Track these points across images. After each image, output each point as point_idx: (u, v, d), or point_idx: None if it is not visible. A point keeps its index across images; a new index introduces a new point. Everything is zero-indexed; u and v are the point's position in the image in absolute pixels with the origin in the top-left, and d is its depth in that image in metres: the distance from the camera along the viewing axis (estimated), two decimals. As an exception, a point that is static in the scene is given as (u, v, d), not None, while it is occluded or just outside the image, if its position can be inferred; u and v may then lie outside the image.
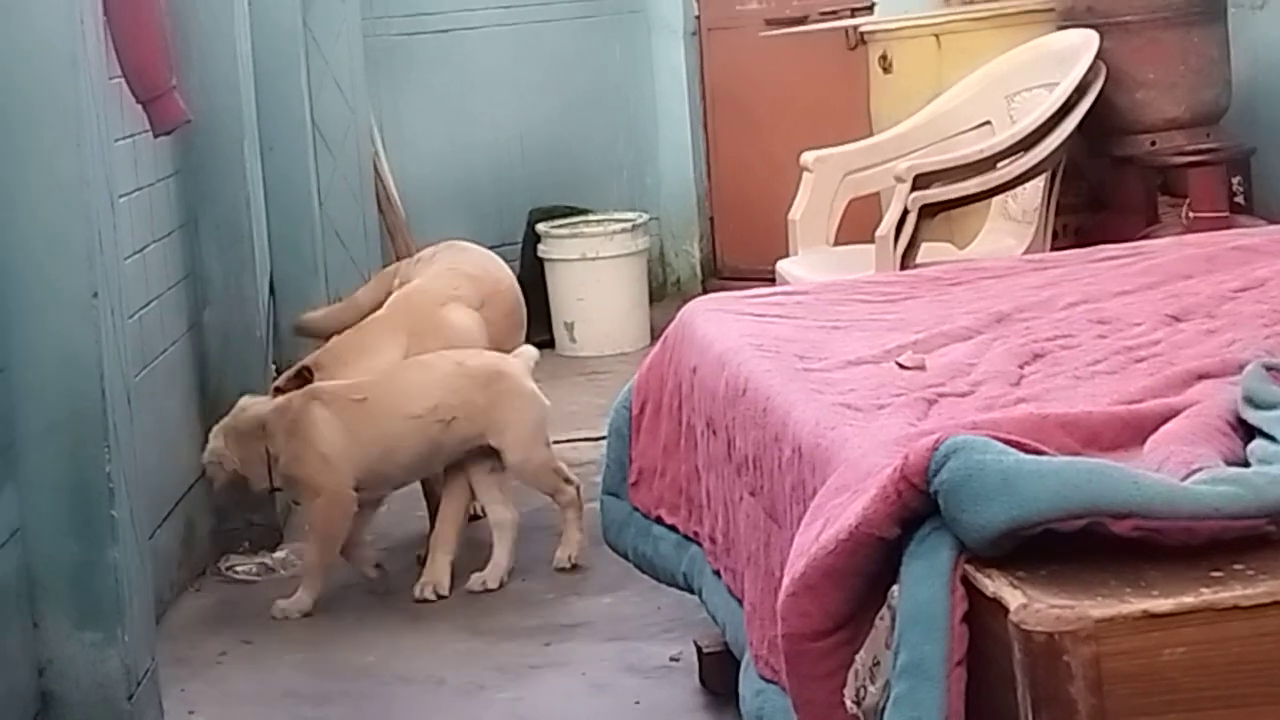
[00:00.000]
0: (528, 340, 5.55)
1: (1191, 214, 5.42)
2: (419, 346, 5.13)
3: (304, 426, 4.80)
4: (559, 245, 7.76)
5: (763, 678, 3.05)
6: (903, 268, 5.02)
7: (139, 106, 4.71)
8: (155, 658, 4.00)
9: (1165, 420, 2.58)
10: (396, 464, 4.91)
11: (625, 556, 4.11)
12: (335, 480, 4.79)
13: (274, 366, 5.65)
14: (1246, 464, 2.39)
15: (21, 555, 3.70)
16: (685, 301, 4.32)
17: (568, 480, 5.02)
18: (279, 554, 5.22)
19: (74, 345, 3.72)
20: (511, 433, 4.91)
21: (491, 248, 7.93)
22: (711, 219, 8.55)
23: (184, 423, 5.17)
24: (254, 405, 4.93)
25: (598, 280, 7.65)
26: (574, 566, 4.96)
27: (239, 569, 5.16)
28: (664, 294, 8.31)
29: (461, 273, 5.52)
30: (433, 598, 4.83)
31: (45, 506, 3.72)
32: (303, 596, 4.80)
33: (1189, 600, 2.07)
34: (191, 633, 4.69)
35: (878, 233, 5.20)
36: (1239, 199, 5.64)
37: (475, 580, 4.88)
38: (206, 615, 4.84)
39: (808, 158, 5.79)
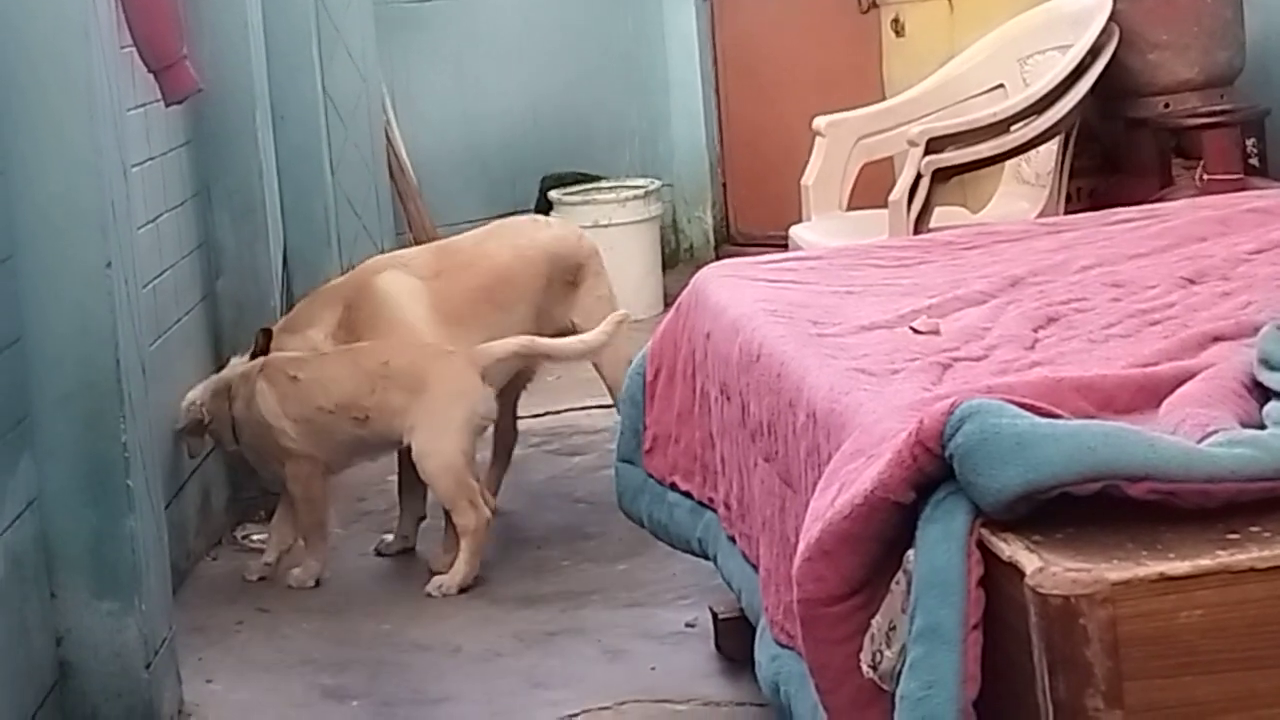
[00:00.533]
0: None
1: (1205, 176, 5.40)
2: (350, 316, 5.02)
3: (253, 396, 4.80)
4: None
5: (779, 643, 3.05)
6: (916, 232, 5.01)
7: (150, 76, 4.71)
8: (173, 626, 4.02)
9: (1180, 383, 2.58)
10: (327, 449, 4.80)
11: (640, 523, 4.12)
12: (295, 445, 4.77)
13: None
14: (1262, 426, 2.39)
15: (38, 525, 3.71)
16: (698, 268, 4.32)
17: (474, 505, 4.66)
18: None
19: (88, 315, 3.72)
20: (421, 437, 4.66)
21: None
22: (724, 185, 8.54)
23: (199, 392, 5.17)
24: (235, 366, 4.93)
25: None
26: (444, 597, 4.62)
27: (255, 538, 5.17)
28: (677, 260, 8.30)
29: (435, 244, 5.45)
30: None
31: (61, 476, 3.73)
32: (310, 562, 4.81)
33: (1205, 563, 2.07)
34: (208, 602, 4.70)
35: (891, 197, 5.19)
36: (1253, 161, 5.62)
37: (434, 584, 4.66)
38: (223, 584, 4.85)
39: (820, 122, 5.77)
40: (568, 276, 5.21)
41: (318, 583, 4.79)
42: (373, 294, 5.06)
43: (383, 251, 6.12)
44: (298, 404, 4.77)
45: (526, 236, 5.31)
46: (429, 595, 4.63)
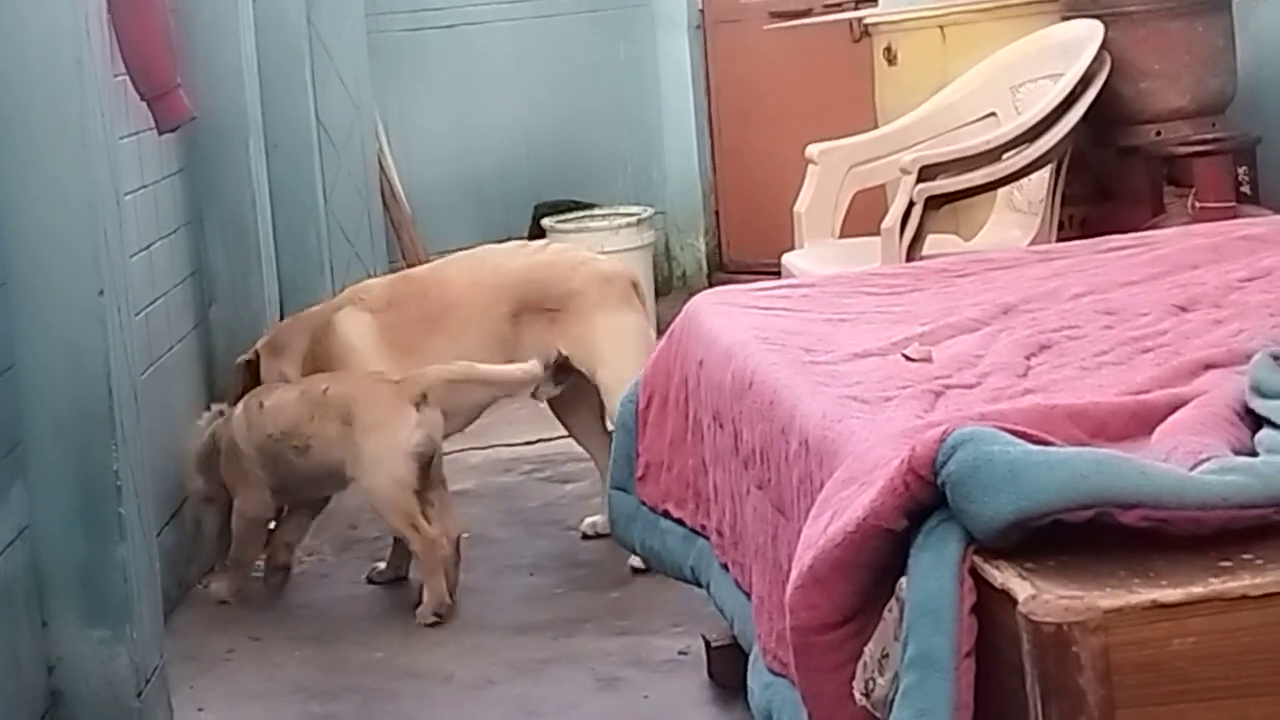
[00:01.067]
0: None
1: (1197, 204, 5.41)
2: (314, 349, 5.03)
3: (230, 419, 4.86)
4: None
5: (771, 671, 3.04)
6: (908, 260, 5.01)
7: (143, 104, 4.71)
8: (164, 655, 4.01)
9: (1173, 410, 2.58)
10: (281, 480, 4.82)
11: (633, 550, 4.11)
12: (253, 473, 4.80)
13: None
14: (1254, 453, 2.39)
15: (30, 553, 3.70)
16: (691, 295, 4.32)
17: (417, 529, 4.63)
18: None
19: (80, 343, 3.72)
20: (355, 469, 4.67)
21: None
22: (717, 212, 8.55)
23: (191, 419, 5.16)
24: (201, 426, 4.95)
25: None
26: (438, 619, 4.63)
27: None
28: (670, 288, 8.31)
29: (399, 273, 5.43)
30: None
31: (53, 504, 3.73)
32: (225, 584, 4.88)
33: (1198, 590, 2.06)
34: (200, 630, 4.69)
35: (883, 225, 5.20)
36: (1245, 189, 5.63)
37: (418, 612, 4.67)
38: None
39: (813, 150, 5.78)
40: (548, 304, 5.03)
41: (223, 601, 4.86)
42: (330, 329, 5.05)
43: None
44: (259, 430, 4.79)
45: (492, 263, 5.19)
46: (418, 623, 4.63)
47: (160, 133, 4.81)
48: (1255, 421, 2.53)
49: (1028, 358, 3.15)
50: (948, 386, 2.98)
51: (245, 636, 4.64)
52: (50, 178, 3.67)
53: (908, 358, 3.22)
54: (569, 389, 5.07)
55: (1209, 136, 5.66)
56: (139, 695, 3.79)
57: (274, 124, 6.01)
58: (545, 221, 7.84)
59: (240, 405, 4.86)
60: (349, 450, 4.66)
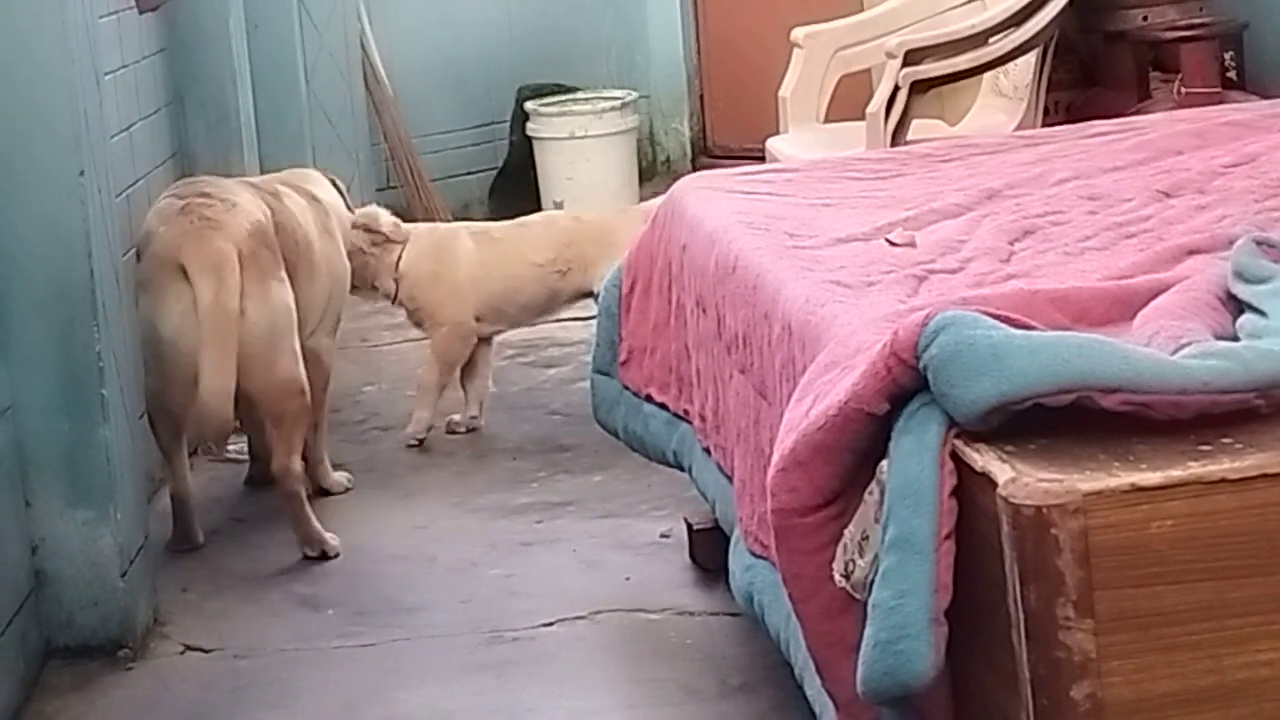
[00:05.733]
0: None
1: (1183, 89, 5.40)
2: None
3: (453, 252, 5.17)
4: (548, 124, 7.71)
5: (752, 553, 3.07)
6: (893, 145, 5.00)
7: (123, -17, 4.67)
8: (148, 536, 4.02)
9: (1155, 295, 2.59)
10: (513, 307, 5.22)
11: (615, 434, 4.12)
12: (466, 308, 5.13)
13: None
14: (1236, 338, 2.40)
15: (12, 434, 3.70)
16: (675, 180, 4.30)
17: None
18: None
19: (61, 224, 3.70)
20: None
21: (480, 126, 7.93)
22: (701, 96, 8.49)
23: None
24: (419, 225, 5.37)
25: (587, 159, 7.61)
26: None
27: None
28: (654, 172, 8.27)
29: None
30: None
31: (35, 385, 3.73)
32: (421, 415, 5.08)
33: (1177, 474, 2.08)
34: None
35: (868, 109, 5.18)
36: (1231, 74, 5.61)
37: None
38: (198, 494, 4.83)
39: (798, 34, 5.75)
40: None
41: (425, 438, 5.06)
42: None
43: (357, 161, 6.08)
44: (501, 263, 5.13)
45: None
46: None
47: (140, 11, 4.77)
48: (1237, 307, 2.54)
49: (1011, 243, 3.15)
50: (931, 271, 2.98)
51: (228, 518, 4.66)
52: (30, 57, 3.64)
53: (891, 243, 3.22)
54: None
55: (1195, 21, 5.63)
56: (123, 576, 3.81)
57: (255, 4, 5.96)
58: (529, 105, 7.79)
59: (462, 241, 5.15)
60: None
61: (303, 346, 4.42)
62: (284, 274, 4.36)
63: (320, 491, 4.63)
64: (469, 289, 5.14)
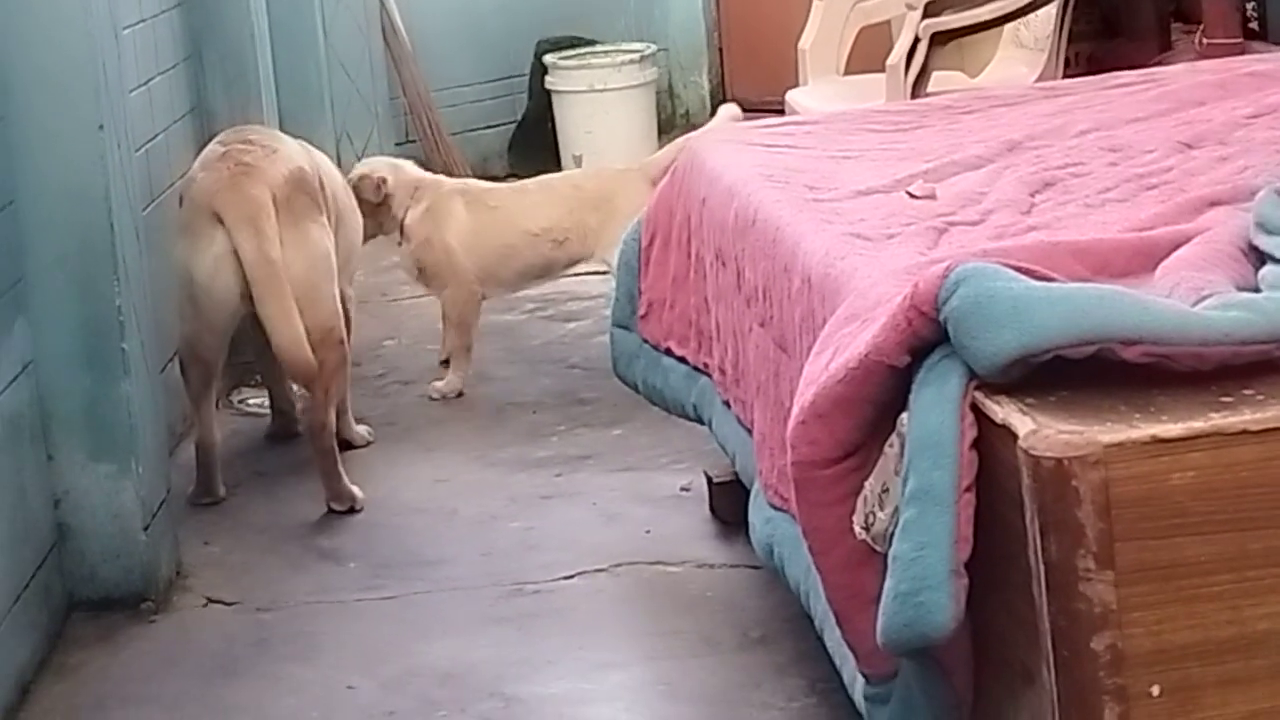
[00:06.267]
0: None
1: (1205, 40, 5.36)
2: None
3: (447, 216, 5.16)
4: (566, 77, 7.69)
5: (772, 506, 3.07)
6: (913, 96, 4.98)
7: (141, -63, 4.66)
8: (170, 489, 4.04)
9: (1176, 247, 2.58)
10: (508, 273, 5.23)
11: (635, 388, 4.12)
12: (466, 271, 5.14)
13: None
14: (1258, 290, 2.39)
15: (34, 388, 3.72)
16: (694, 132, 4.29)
17: None
18: (290, 386, 5.24)
19: (81, 178, 3.71)
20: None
21: (498, 80, 7.90)
22: (720, 49, 8.47)
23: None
24: (426, 176, 5.30)
25: (606, 112, 7.60)
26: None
27: (251, 402, 5.18)
28: (673, 126, 8.25)
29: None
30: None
31: (56, 340, 3.74)
32: (453, 378, 5.11)
33: (1198, 425, 2.08)
34: (205, 465, 4.72)
35: (888, 61, 5.16)
36: (1253, 25, 5.58)
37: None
38: (220, 448, 4.86)
39: (817, -15, 5.72)
40: None
41: (461, 394, 5.08)
42: None
43: (376, 115, 6.07)
44: (495, 232, 5.11)
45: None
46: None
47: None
48: (1259, 258, 2.53)
49: (1032, 195, 3.15)
50: (951, 224, 2.98)
51: (250, 472, 4.68)
52: (49, 11, 3.64)
53: (911, 195, 3.21)
54: None
55: (1218, -29, 5.59)
56: (145, 529, 3.83)
57: (273, -43, 5.94)
58: (547, 58, 7.78)
59: (454, 205, 5.14)
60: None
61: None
62: (324, 220, 4.39)
63: (344, 444, 4.64)
64: (461, 255, 5.13)
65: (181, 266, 4.31)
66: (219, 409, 5.07)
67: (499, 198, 5.27)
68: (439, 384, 5.12)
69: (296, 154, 4.43)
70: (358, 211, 4.87)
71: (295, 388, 4.68)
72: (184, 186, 4.42)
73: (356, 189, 5.00)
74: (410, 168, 5.30)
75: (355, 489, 4.36)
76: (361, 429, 4.80)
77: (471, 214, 5.16)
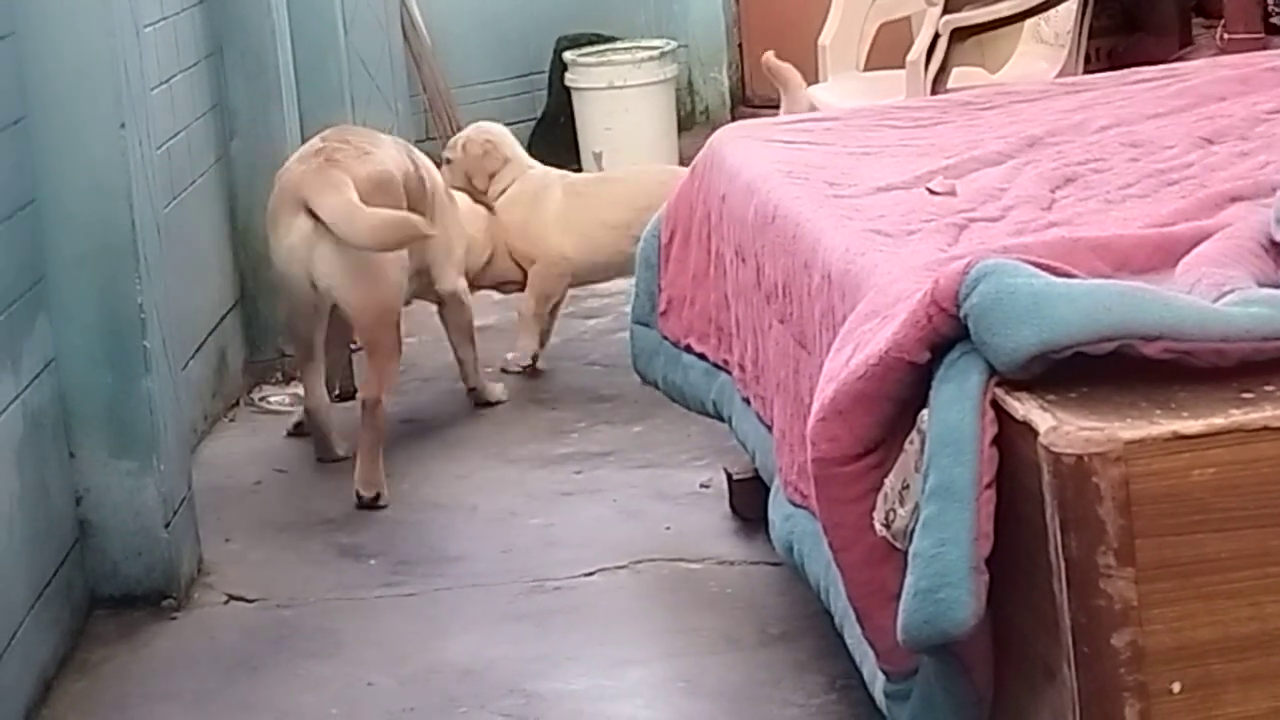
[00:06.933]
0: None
1: (1226, 35, 5.36)
2: None
3: (543, 199, 5.26)
4: (586, 74, 7.69)
5: (792, 503, 3.07)
6: (933, 92, 4.97)
7: (161, -65, 4.67)
8: (191, 486, 4.05)
9: (1197, 243, 2.57)
10: (591, 263, 5.30)
11: (655, 385, 4.12)
12: (559, 249, 5.24)
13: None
14: (1279, 286, 2.38)
15: (56, 386, 3.73)
16: (714, 130, 4.30)
17: None
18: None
19: (103, 176, 3.72)
20: None
21: (518, 77, 7.90)
22: (740, 45, 8.46)
23: (214, 254, 5.18)
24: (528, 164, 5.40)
25: (625, 109, 7.59)
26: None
27: (272, 399, 5.20)
28: (692, 122, 8.24)
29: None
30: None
31: (78, 337, 3.75)
32: (525, 342, 5.20)
33: (1219, 421, 2.07)
34: (226, 462, 4.73)
35: (908, 57, 5.15)
36: (1274, 20, 5.57)
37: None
38: (241, 445, 4.88)
39: (838, -19, 5.72)
40: None
41: (535, 361, 5.20)
42: None
43: (396, 112, 6.07)
44: (581, 220, 5.21)
45: None
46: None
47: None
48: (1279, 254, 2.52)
49: (1052, 191, 3.14)
50: (971, 220, 2.98)
51: (271, 469, 4.69)
52: (70, 9, 3.65)
53: (932, 191, 3.21)
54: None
55: (1239, -33, 5.58)
56: (167, 526, 3.84)
57: (293, -45, 5.94)
58: (567, 55, 7.77)
59: (554, 189, 5.24)
60: None
61: (442, 292, 4.87)
62: None
63: (482, 402, 4.98)
64: (557, 238, 5.21)
65: (274, 253, 4.56)
66: (240, 406, 5.09)
67: (588, 185, 5.41)
68: (511, 355, 5.20)
69: (389, 160, 4.63)
70: (458, 206, 5.05)
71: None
72: (277, 176, 4.64)
73: (464, 148, 5.24)
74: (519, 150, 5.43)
75: (384, 482, 4.38)
76: (498, 386, 5.05)
77: (567, 199, 5.25)
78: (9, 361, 3.48)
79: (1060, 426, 2.08)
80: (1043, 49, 5.61)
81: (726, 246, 3.64)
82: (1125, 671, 2.06)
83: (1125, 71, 4.39)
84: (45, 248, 3.70)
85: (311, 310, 4.57)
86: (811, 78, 5.71)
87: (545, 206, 5.26)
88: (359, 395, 4.58)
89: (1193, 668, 2.08)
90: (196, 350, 4.84)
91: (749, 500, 3.92)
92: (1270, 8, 5.54)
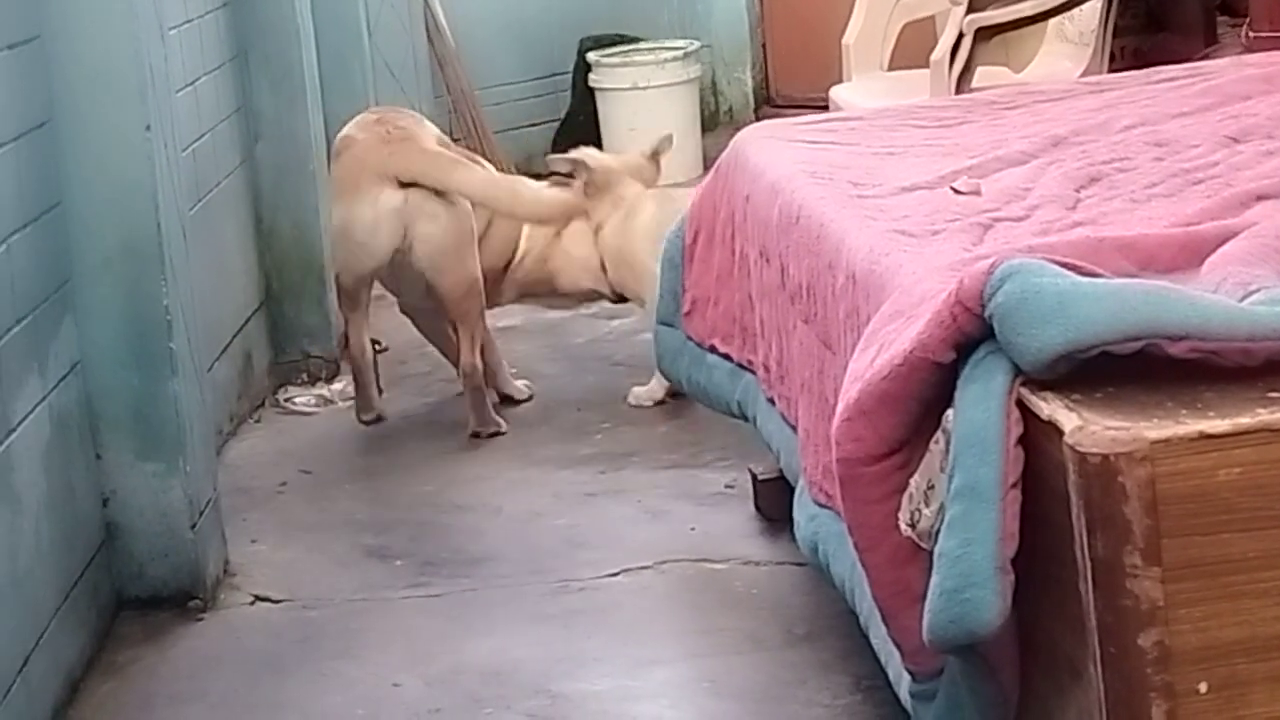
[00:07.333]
0: None
1: (1251, 34, 5.34)
2: None
3: (637, 211, 5.07)
4: (610, 74, 7.70)
5: (817, 503, 3.07)
6: (958, 92, 4.97)
7: (186, -62, 4.68)
8: (217, 488, 4.06)
9: (1223, 242, 2.57)
10: None
11: (680, 385, 4.13)
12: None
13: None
14: (1305, 285, 2.38)
15: (82, 388, 3.74)
16: (738, 130, 4.30)
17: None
18: (336, 386, 5.26)
19: (128, 179, 3.73)
20: None
21: (542, 78, 7.92)
22: (764, 45, 8.47)
23: (239, 256, 5.19)
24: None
25: (649, 109, 7.60)
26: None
27: (297, 400, 5.21)
28: (716, 123, 8.25)
29: None
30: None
31: (104, 339, 3.76)
32: (655, 385, 4.87)
33: (1245, 421, 2.07)
34: (252, 464, 4.75)
35: (932, 57, 5.15)
36: (1300, 18, 5.54)
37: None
38: (266, 446, 4.89)
39: (861, -19, 5.72)
40: None
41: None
42: None
43: (420, 114, 6.06)
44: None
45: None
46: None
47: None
48: (1306, 253, 2.51)
49: (1077, 190, 3.13)
50: (996, 219, 2.97)
51: (297, 470, 4.70)
52: (95, 12, 3.66)
53: (956, 191, 3.20)
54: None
55: (1264, -36, 5.56)
56: (193, 528, 3.85)
57: (317, -43, 5.96)
58: (591, 56, 7.79)
59: (647, 203, 5.05)
60: None
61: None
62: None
63: (505, 399, 5.05)
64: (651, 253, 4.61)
65: (340, 222, 4.79)
66: (265, 407, 5.10)
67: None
68: (640, 390, 4.92)
69: (433, 126, 5.09)
70: None
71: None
72: (339, 146, 4.92)
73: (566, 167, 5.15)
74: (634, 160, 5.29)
75: (500, 421, 4.79)
76: (520, 383, 5.10)
77: (660, 209, 4.95)
78: (36, 364, 3.49)
79: (1086, 426, 2.08)
80: (1067, 48, 5.60)
81: (750, 247, 3.64)
82: (1152, 671, 2.05)
83: (1150, 70, 4.38)
84: (71, 251, 3.71)
85: (373, 275, 4.83)
86: (835, 77, 5.71)
87: (636, 229, 4.99)
88: (460, 363, 4.83)
89: (1220, 667, 2.07)
90: (222, 352, 4.85)
91: (774, 501, 3.92)
92: (1295, 6, 5.52)
